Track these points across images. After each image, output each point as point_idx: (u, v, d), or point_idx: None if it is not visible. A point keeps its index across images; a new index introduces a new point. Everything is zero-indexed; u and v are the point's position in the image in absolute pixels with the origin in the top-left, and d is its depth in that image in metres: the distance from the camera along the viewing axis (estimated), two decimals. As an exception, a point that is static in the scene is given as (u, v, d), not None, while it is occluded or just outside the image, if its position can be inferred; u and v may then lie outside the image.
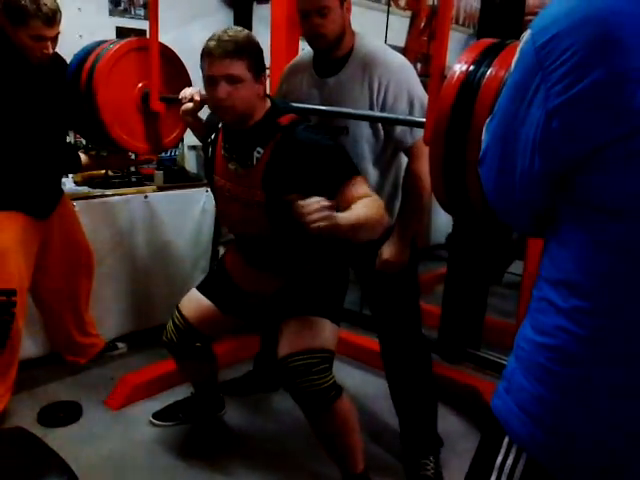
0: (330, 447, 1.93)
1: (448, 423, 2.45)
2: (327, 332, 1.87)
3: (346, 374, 2.68)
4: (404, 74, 1.86)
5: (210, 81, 1.69)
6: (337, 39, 1.87)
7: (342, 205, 1.64)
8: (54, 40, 2.05)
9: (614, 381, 0.77)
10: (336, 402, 1.81)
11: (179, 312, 2.09)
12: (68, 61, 2.27)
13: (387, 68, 1.86)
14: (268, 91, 2.05)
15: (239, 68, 1.65)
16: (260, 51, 1.72)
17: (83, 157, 2.33)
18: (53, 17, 1.99)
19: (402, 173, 2.00)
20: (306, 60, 2.04)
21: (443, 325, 2.91)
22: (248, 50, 1.67)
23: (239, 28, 1.74)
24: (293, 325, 1.88)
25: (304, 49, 2.35)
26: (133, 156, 2.59)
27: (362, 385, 2.72)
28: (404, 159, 1.99)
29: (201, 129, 2.00)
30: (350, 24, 1.93)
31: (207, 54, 1.67)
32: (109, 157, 2.49)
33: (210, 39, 1.67)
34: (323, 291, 1.95)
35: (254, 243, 1.95)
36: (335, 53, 1.91)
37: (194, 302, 2.09)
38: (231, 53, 1.64)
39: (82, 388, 2.57)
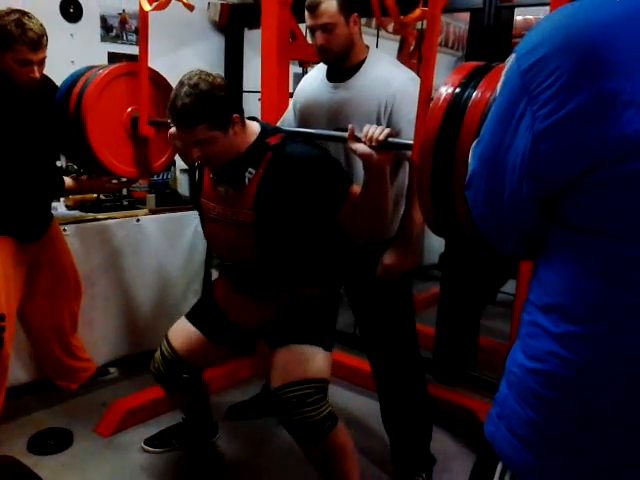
0: (326, 475, 1.90)
1: (443, 444, 2.43)
2: (320, 360, 1.84)
3: (339, 396, 2.65)
4: (410, 94, 1.82)
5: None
6: (344, 52, 1.94)
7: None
8: (40, 64, 2.06)
9: (604, 407, 0.76)
10: (332, 432, 1.79)
11: (168, 343, 2.05)
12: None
13: (396, 87, 1.89)
14: (260, 114, 2.06)
15: (201, 133, 1.63)
16: (220, 103, 1.64)
17: (67, 181, 2.33)
18: (39, 41, 1.99)
19: (406, 184, 2.00)
20: (320, 70, 2.10)
21: (437, 346, 2.89)
22: (204, 113, 1.61)
23: (194, 79, 1.62)
24: (285, 355, 1.85)
25: (295, 73, 2.37)
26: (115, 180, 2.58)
27: (355, 406, 2.69)
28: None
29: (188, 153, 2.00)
30: (360, 36, 1.98)
31: (171, 119, 1.67)
32: (93, 181, 2.48)
33: (171, 107, 1.63)
34: (314, 318, 1.92)
35: (242, 268, 1.93)
36: (345, 63, 1.97)
37: (183, 332, 2.04)
38: (188, 124, 1.62)
39: (73, 415, 2.54)
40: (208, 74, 1.66)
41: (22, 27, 1.95)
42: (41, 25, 2.02)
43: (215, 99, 1.63)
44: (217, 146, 1.68)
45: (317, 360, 1.83)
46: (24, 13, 2.00)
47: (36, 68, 2.03)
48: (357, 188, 1.72)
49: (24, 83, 2.06)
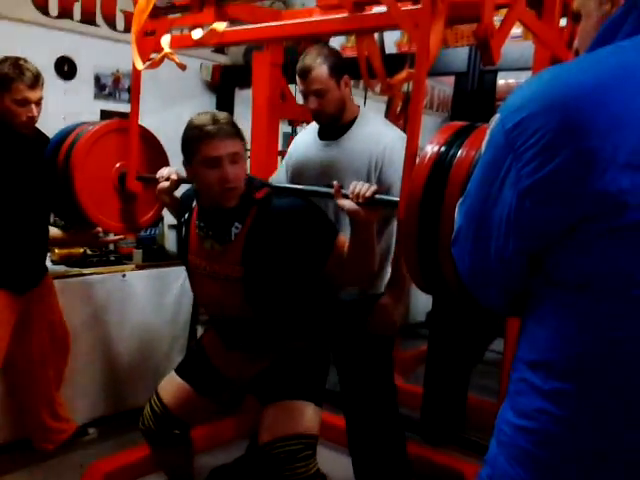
0: None
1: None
2: (310, 416, 1.82)
3: (326, 457, 2.58)
4: (398, 151, 1.84)
5: (214, 162, 1.67)
6: (337, 114, 2.00)
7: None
8: (38, 104, 2.11)
9: (595, 465, 0.75)
10: None
11: (157, 397, 2.01)
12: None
13: (384, 145, 1.95)
14: (249, 171, 2.09)
15: (238, 146, 1.71)
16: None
17: (56, 231, 2.33)
18: (36, 80, 2.07)
19: (394, 242, 2.01)
20: (313, 128, 2.16)
21: (425, 406, 2.85)
22: (239, 130, 1.73)
23: (216, 111, 1.79)
24: (275, 409, 1.82)
25: (285, 132, 2.42)
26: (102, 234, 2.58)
27: (342, 467, 2.61)
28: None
29: (177, 207, 2.01)
30: (350, 97, 2.05)
31: (207, 136, 1.67)
32: (78, 234, 2.48)
33: (203, 124, 1.67)
34: (305, 373, 1.90)
35: (231, 324, 1.92)
36: (337, 123, 2.02)
37: (173, 387, 2.01)
38: (230, 134, 1.68)
39: (50, 476, 2.44)
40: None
41: (19, 68, 2.04)
42: (36, 67, 2.10)
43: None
44: (242, 169, 1.73)
45: (308, 415, 1.81)
46: (19, 58, 2.09)
47: (34, 107, 2.08)
48: (343, 238, 1.73)
49: (23, 124, 2.10)
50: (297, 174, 2.14)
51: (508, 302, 0.89)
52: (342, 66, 1.98)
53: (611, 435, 0.74)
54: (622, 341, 0.72)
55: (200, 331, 3.18)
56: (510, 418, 0.83)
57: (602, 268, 0.72)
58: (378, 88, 2.29)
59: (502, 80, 3.20)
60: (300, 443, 1.75)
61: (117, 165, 2.26)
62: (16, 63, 2.05)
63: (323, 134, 2.08)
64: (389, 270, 2.02)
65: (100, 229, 2.34)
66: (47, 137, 2.32)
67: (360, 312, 2.02)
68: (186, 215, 1.91)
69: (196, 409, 2.02)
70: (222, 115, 1.72)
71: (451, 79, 2.88)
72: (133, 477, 2.45)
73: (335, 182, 1.65)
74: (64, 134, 2.23)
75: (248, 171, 1.90)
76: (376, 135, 1.98)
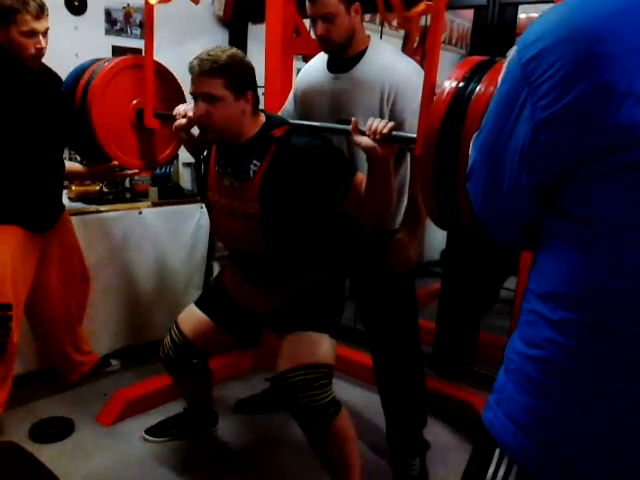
0: (328, 463, 1.93)
1: (443, 437, 2.45)
2: (326, 347, 1.87)
3: (338, 388, 2.66)
4: (413, 84, 1.83)
5: (193, 98, 1.76)
6: (345, 42, 1.92)
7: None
8: (45, 35, 2.08)
9: (601, 393, 0.78)
10: (335, 418, 1.82)
11: (177, 328, 2.09)
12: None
13: (398, 77, 1.89)
14: (262, 107, 2.08)
15: (215, 86, 1.68)
16: (244, 70, 1.74)
17: (69, 164, 2.34)
18: (41, 10, 2.03)
19: (408, 177, 2.01)
20: (320, 59, 2.09)
21: (438, 341, 2.91)
22: (227, 68, 1.68)
23: (226, 47, 1.76)
24: (292, 340, 1.88)
25: (299, 68, 2.38)
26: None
27: (354, 398, 2.71)
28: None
29: (194, 145, 2.02)
30: (362, 26, 1.97)
31: (190, 72, 1.72)
32: (95, 168, 2.50)
33: (195, 57, 1.71)
34: (321, 306, 1.95)
35: (250, 259, 1.96)
36: (346, 53, 1.96)
37: (192, 318, 2.09)
38: (207, 72, 1.68)
39: (74, 404, 2.56)
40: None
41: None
42: None
43: (240, 65, 1.73)
44: (223, 110, 1.71)
45: (323, 346, 1.86)
46: None
47: (42, 39, 2.06)
48: (361, 176, 1.74)
49: (31, 57, 2.08)
50: (306, 107, 2.09)
51: (520, 236, 0.90)
52: None
53: (612, 365, 0.76)
54: (629, 275, 0.74)
55: (216, 267, 3.24)
56: (519, 347, 0.86)
57: (612, 203, 0.73)
58: (395, 22, 2.23)
59: (523, 14, 3.10)
60: (317, 372, 1.81)
61: (134, 102, 2.26)
62: None
63: (332, 66, 2.01)
64: (404, 206, 2.03)
65: (116, 162, 2.36)
66: (55, 72, 2.31)
67: (376, 248, 2.04)
68: (205, 152, 1.93)
69: (214, 340, 2.09)
70: (215, 52, 1.70)
71: (470, 13, 2.79)
72: (155, 404, 2.57)
73: (353, 119, 1.64)
74: (80, 71, 2.22)
75: (263, 106, 1.89)
76: (389, 66, 1.91)
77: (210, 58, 1.68)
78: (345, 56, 1.96)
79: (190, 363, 2.09)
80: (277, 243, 1.85)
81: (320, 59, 2.09)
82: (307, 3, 1.91)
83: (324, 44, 1.95)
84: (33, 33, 2.04)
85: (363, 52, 1.96)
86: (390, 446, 2.29)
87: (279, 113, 2.20)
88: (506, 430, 0.87)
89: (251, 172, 1.78)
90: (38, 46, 2.06)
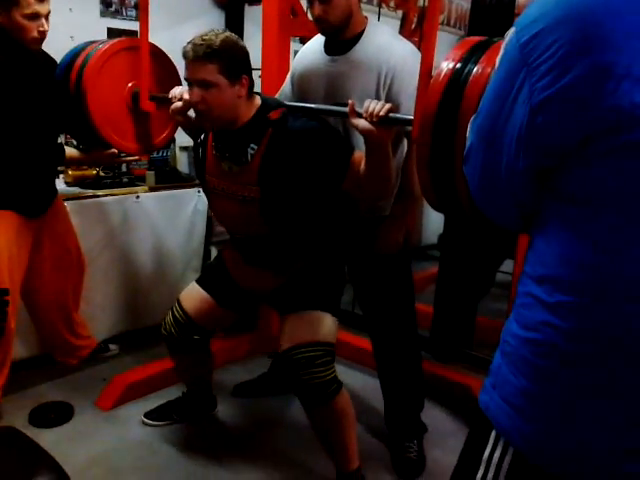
0: (327, 442, 1.95)
1: (440, 421, 2.46)
2: (328, 325, 1.90)
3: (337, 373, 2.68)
4: (410, 67, 1.81)
5: (188, 84, 1.74)
6: (342, 23, 1.90)
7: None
8: (47, 18, 2.07)
9: (597, 376, 0.78)
10: (337, 396, 1.84)
11: (179, 305, 2.11)
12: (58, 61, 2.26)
13: (395, 59, 1.87)
14: (260, 91, 2.06)
15: (209, 72, 1.67)
16: (239, 54, 1.72)
17: (68, 150, 2.33)
18: None
19: (402, 159, 2.00)
20: (317, 41, 2.07)
21: (435, 324, 2.92)
22: (221, 54, 1.66)
23: (220, 31, 1.73)
24: (294, 319, 1.90)
25: (296, 50, 2.36)
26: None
27: (351, 381, 2.72)
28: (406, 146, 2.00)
29: (192, 127, 2.00)
30: (359, 8, 1.95)
31: (183, 57, 1.71)
32: (93, 153, 2.49)
33: (189, 42, 1.69)
34: (322, 286, 1.97)
35: (250, 242, 1.97)
36: (343, 35, 1.94)
37: (194, 295, 2.11)
38: (201, 57, 1.66)
39: (73, 389, 2.56)
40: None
41: None
42: None
43: (234, 49, 1.71)
44: (218, 95, 1.69)
45: (325, 324, 1.88)
46: None
47: (44, 21, 2.05)
48: (359, 154, 1.73)
49: (34, 40, 2.07)
50: (303, 89, 2.08)
51: (517, 218, 0.89)
52: None
53: (610, 348, 0.76)
54: (622, 256, 0.74)
55: (214, 252, 3.23)
56: (515, 330, 0.86)
57: (610, 183, 0.72)
58: (392, 3, 2.21)
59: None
60: (319, 350, 1.83)
61: (129, 84, 2.24)
62: None
63: (329, 48, 1.99)
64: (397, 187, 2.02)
65: (115, 150, 2.35)
66: (52, 58, 2.29)
67: (372, 231, 2.05)
68: (202, 136, 1.92)
69: (216, 318, 2.12)
70: (209, 36, 1.67)
71: (469, -7, 2.77)
72: (154, 389, 2.57)
73: (350, 101, 1.62)
74: (74, 54, 2.20)
75: (259, 89, 1.88)
76: (386, 49, 1.89)
77: (204, 43, 1.66)
78: (342, 38, 1.94)
79: (192, 340, 2.11)
80: (277, 225, 1.85)
81: (317, 41, 2.07)
82: None
83: (321, 25, 1.93)
84: (36, 16, 2.02)
85: (360, 34, 1.94)
86: (388, 429, 2.31)
87: (276, 95, 2.19)
88: (502, 412, 0.87)
89: (249, 156, 1.77)
90: (41, 29, 2.05)
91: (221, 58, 1.66)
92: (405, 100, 1.83)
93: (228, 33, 1.73)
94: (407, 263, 2.17)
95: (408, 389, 2.27)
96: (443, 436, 2.36)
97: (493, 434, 0.90)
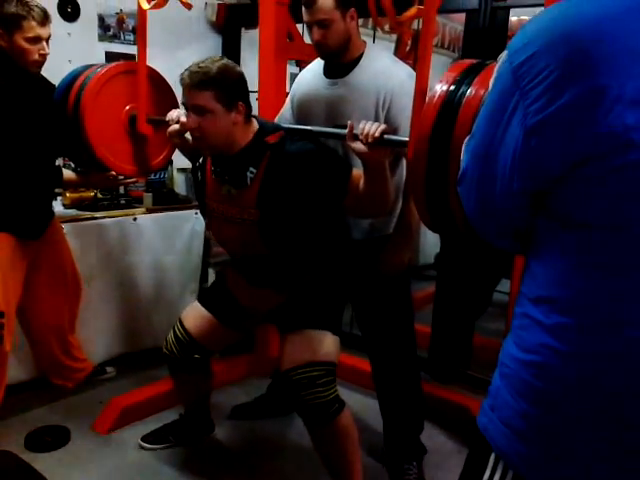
0: (329, 463, 1.93)
1: (439, 441, 2.44)
2: (329, 344, 1.89)
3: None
4: (408, 90, 1.80)
5: (185, 109, 1.78)
6: (341, 47, 1.94)
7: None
8: (47, 42, 2.11)
9: (597, 400, 0.78)
10: (339, 416, 1.83)
11: (181, 324, 2.10)
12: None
13: (393, 82, 1.91)
14: (257, 114, 2.08)
15: (206, 99, 1.69)
16: (235, 81, 1.74)
17: (66, 173, 2.35)
18: (45, 17, 2.07)
19: (404, 179, 2.01)
20: (317, 65, 2.10)
21: (433, 345, 2.91)
22: (217, 81, 1.68)
23: (217, 58, 1.76)
24: (295, 339, 1.89)
25: (292, 73, 2.38)
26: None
27: (350, 403, 2.66)
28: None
29: (189, 150, 2.02)
30: (357, 32, 1.98)
31: (180, 84, 1.73)
32: (90, 176, 2.50)
33: (186, 69, 1.72)
34: (322, 304, 1.97)
35: (251, 262, 1.98)
36: (342, 59, 1.97)
37: (196, 314, 2.11)
38: (197, 85, 1.68)
39: (70, 412, 2.54)
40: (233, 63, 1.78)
41: (27, 5, 2.03)
42: (41, 4, 2.09)
43: (231, 77, 1.73)
44: (214, 122, 1.71)
45: (326, 344, 1.88)
46: None
47: (45, 45, 2.09)
48: (358, 174, 1.74)
49: (35, 63, 2.10)
50: (303, 112, 2.11)
51: (513, 240, 0.90)
52: None
53: (610, 371, 0.76)
54: (620, 279, 0.74)
55: (211, 273, 3.23)
56: (513, 352, 0.86)
57: (604, 206, 0.72)
58: (387, 26, 2.24)
59: (515, 17, 3.11)
60: (320, 369, 1.82)
61: (127, 107, 2.26)
62: (23, 1, 2.03)
63: (329, 72, 2.02)
64: (398, 210, 2.03)
65: (114, 173, 2.36)
66: (51, 82, 2.31)
67: (372, 252, 2.05)
68: (200, 160, 1.94)
69: (217, 337, 2.11)
70: (205, 63, 1.70)
71: (462, 16, 2.80)
72: (151, 412, 2.55)
73: (350, 122, 1.64)
74: (72, 77, 2.22)
75: (257, 112, 1.89)
76: (385, 72, 1.93)
77: (200, 70, 1.68)
78: (341, 61, 1.98)
79: (192, 359, 2.10)
80: (276, 247, 1.86)
81: (317, 65, 2.10)
82: (303, 9, 1.92)
83: (320, 50, 1.96)
84: (38, 39, 2.06)
85: (359, 58, 1.97)
86: (387, 451, 2.29)
87: (276, 119, 2.21)
88: (501, 435, 0.87)
89: (248, 179, 1.79)
90: (42, 52, 2.09)
91: (217, 86, 1.68)
92: (404, 122, 1.85)
93: (225, 60, 1.75)
94: (407, 283, 2.18)
95: (407, 411, 2.25)
96: (442, 457, 2.34)
97: (492, 457, 0.89)
